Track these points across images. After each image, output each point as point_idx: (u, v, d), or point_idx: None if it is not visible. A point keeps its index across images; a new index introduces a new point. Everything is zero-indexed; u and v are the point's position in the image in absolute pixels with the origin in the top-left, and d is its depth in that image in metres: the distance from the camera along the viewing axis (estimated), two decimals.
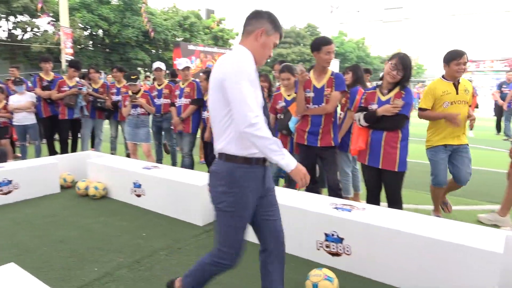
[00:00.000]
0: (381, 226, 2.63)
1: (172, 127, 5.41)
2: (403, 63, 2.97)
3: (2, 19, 17.82)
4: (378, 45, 55.65)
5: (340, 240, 2.82)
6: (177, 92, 5.17)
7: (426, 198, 4.72)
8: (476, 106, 12.33)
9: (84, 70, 7.93)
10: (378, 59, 43.05)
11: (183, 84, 5.15)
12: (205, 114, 4.98)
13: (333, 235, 2.84)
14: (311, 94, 3.44)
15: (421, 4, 57.44)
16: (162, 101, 5.66)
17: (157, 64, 5.70)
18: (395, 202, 3.12)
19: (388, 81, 3.07)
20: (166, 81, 5.88)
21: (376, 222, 2.68)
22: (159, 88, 5.73)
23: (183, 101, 5.05)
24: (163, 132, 5.95)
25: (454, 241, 2.37)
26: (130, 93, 5.19)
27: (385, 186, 3.19)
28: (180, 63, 5.18)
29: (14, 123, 6.12)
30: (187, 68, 5.09)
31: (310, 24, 38.66)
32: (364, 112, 3.12)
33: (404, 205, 4.31)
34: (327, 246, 2.88)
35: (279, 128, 4.01)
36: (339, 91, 3.37)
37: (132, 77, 5.06)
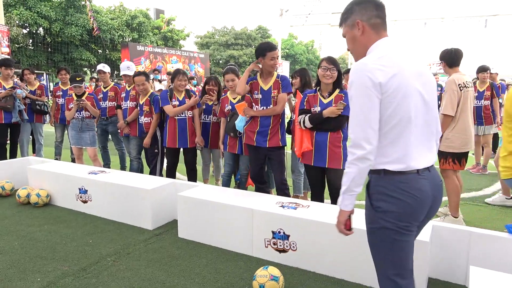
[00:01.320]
0: (324, 222, 2.79)
1: (119, 131, 5.29)
2: (331, 61, 3.22)
3: None
4: (327, 48, 57.66)
5: (286, 237, 2.95)
6: (123, 95, 5.07)
7: None
8: None
9: (17, 71, 7.48)
10: None
11: (129, 86, 5.06)
12: (141, 120, 4.76)
13: (279, 232, 2.96)
14: (259, 96, 3.56)
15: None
16: (108, 104, 5.52)
17: (100, 66, 5.57)
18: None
19: (326, 82, 3.26)
20: (112, 83, 5.74)
21: (320, 218, 2.84)
22: (104, 90, 5.59)
23: (129, 104, 4.96)
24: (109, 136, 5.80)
25: None
26: (74, 96, 5.01)
27: (329, 183, 3.37)
28: (121, 68, 5.12)
29: None
30: (125, 75, 5.03)
31: (261, 26, 39.12)
32: (309, 114, 3.28)
33: (357, 201, 4.60)
34: (274, 244, 3.00)
35: (227, 130, 4.08)
36: (285, 93, 3.52)
37: (77, 78, 4.90)
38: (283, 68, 24.30)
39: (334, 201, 3.36)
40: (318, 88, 3.37)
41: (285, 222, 2.95)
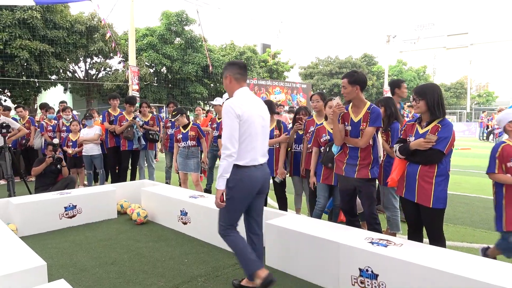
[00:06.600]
0: (418, 263, 2.54)
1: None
2: (416, 93, 3.00)
3: (81, 61, 20.08)
4: (442, 72, 53.25)
5: (375, 276, 2.75)
6: (214, 125, 5.49)
7: (483, 236, 4.41)
8: None
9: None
10: (442, 87, 41.13)
11: (219, 118, 5.51)
12: None
13: (367, 270, 2.78)
14: (349, 128, 3.46)
15: (488, 29, 54.46)
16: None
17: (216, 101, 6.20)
18: (435, 239, 2.96)
19: (417, 114, 3.08)
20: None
21: (413, 259, 2.59)
22: (218, 121, 6.14)
23: None
24: None
25: (497, 284, 2.22)
26: (181, 128, 5.60)
27: (423, 221, 3.06)
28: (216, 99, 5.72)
29: (82, 153, 6.81)
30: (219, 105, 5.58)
31: (366, 54, 38.30)
32: (400, 144, 3.08)
33: (457, 243, 4.10)
34: (361, 282, 2.82)
35: (323, 161, 4.00)
36: (372, 127, 3.32)
37: (173, 113, 5.57)
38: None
39: (431, 241, 3.01)
40: (420, 116, 3.15)
41: (374, 260, 2.76)
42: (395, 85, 4.83)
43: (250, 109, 2.71)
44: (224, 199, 2.65)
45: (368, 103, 3.43)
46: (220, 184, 2.63)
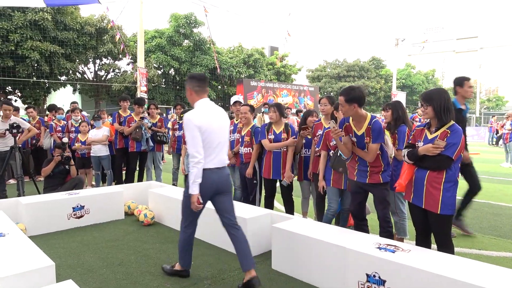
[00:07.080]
0: (425, 270, 2.51)
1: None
2: (423, 99, 2.98)
3: (90, 62, 20.29)
4: (451, 76, 52.92)
5: (382, 282, 2.73)
6: (231, 127, 5.44)
7: (492, 243, 4.35)
8: None
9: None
10: (451, 91, 40.75)
11: (236, 120, 5.43)
12: (242, 150, 5.00)
13: (374, 276, 2.76)
14: (354, 139, 3.46)
15: (498, 33, 54.00)
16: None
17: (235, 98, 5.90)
18: (443, 246, 2.93)
19: (425, 120, 3.07)
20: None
21: (420, 265, 2.57)
22: (236, 122, 5.97)
23: (236, 136, 5.29)
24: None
25: None
26: None
27: (431, 228, 3.03)
28: (232, 98, 5.58)
29: (91, 154, 6.87)
30: (239, 102, 5.40)
31: (374, 57, 38.13)
32: (408, 150, 3.06)
33: (465, 250, 4.06)
34: None
35: (334, 165, 3.97)
36: (376, 144, 3.33)
37: (181, 115, 5.57)
38: (400, 99, 23.00)
39: (439, 248, 2.98)
40: (429, 121, 3.13)
41: (381, 266, 2.74)
42: (457, 83, 4.27)
43: (209, 120, 2.94)
44: (200, 203, 2.95)
45: (369, 116, 3.40)
46: (194, 189, 2.86)
